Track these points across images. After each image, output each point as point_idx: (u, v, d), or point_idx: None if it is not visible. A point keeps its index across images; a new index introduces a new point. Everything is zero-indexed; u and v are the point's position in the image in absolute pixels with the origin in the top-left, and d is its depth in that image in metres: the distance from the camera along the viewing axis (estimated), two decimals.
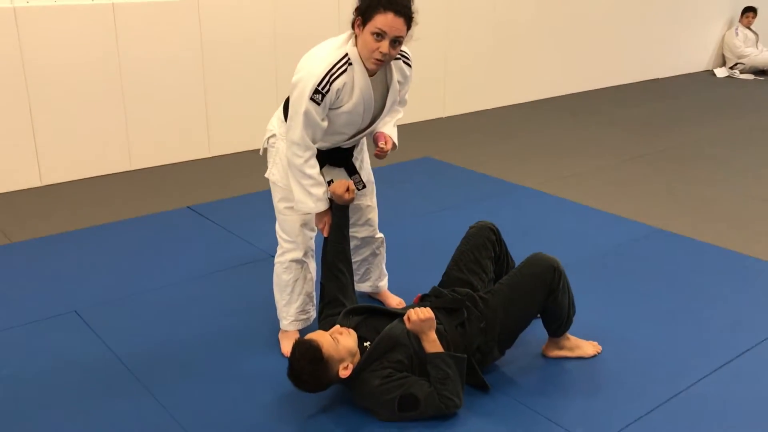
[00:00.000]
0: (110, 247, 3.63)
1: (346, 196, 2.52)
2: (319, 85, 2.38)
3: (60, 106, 4.43)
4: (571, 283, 2.56)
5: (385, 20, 2.33)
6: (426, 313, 2.36)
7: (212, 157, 5.08)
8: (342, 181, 2.54)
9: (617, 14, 7.59)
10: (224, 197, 4.32)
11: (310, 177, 2.51)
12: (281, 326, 2.79)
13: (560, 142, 5.72)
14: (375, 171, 2.93)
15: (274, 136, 2.67)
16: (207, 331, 2.88)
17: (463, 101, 6.52)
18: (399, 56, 2.54)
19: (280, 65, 5.21)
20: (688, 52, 8.79)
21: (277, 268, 2.75)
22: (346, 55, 2.42)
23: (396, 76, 2.56)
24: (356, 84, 2.45)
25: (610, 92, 7.60)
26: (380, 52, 2.37)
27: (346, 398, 2.42)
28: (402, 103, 2.72)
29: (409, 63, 2.60)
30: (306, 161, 2.49)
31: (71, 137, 4.51)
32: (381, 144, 2.62)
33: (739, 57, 8.92)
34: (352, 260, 2.92)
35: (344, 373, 2.28)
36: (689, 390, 2.53)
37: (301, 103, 2.41)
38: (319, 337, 2.29)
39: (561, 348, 2.69)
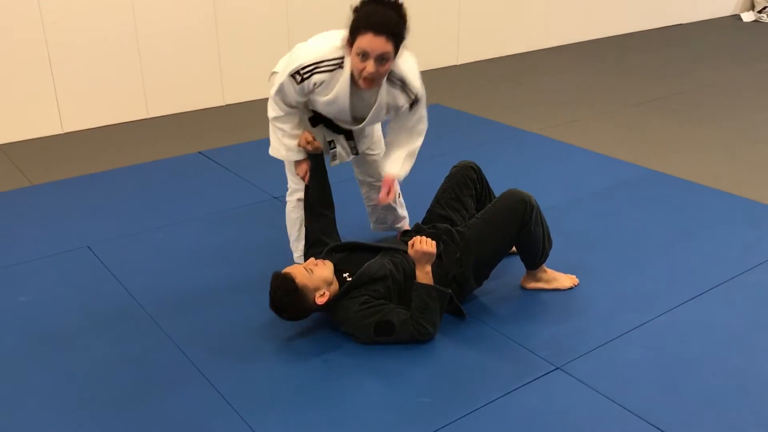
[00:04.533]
0: (123, 189, 3.84)
1: (309, 147, 2.69)
2: (302, 69, 2.49)
3: (78, 58, 4.61)
4: (557, 221, 2.65)
5: (365, 40, 2.37)
6: (431, 246, 2.48)
7: (225, 105, 5.24)
8: (305, 133, 2.69)
9: None
10: (235, 143, 4.50)
11: (281, 129, 2.68)
12: (294, 258, 2.96)
13: (569, 88, 5.75)
14: None
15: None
16: (210, 266, 3.07)
17: (477, 49, 6.54)
18: (398, 82, 2.55)
19: (291, 13, 5.31)
20: None
21: (288, 206, 2.93)
22: (343, 58, 2.49)
23: (385, 98, 2.58)
24: (337, 86, 2.52)
25: (626, 39, 7.52)
26: (367, 71, 2.41)
27: (327, 323, 2.61)
28: (417, 132, 2.71)
29: (410, 94, 2.58)
30: (277, 117, 2.66)
31: (90, 87, 4.70)
32: (382, 195, 2.71)
33: None
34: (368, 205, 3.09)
35: (320, 300, 2.46)
36: (655, 320, 2.65)
37: (284, 74, 2.55)
38: (293, 269, 2.46)
39: (538, 280, 2.83)
